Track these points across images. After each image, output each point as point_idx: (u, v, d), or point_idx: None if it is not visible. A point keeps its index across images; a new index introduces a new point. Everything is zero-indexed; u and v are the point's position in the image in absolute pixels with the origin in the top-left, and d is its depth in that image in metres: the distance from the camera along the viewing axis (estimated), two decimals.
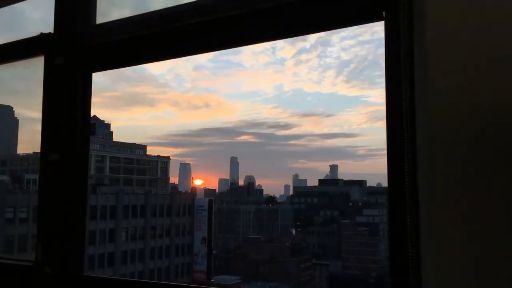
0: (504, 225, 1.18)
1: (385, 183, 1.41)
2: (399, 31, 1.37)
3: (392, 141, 1.38)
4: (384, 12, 1.44)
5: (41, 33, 2.19)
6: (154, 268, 53.74)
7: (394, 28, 1.39)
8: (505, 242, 1.18)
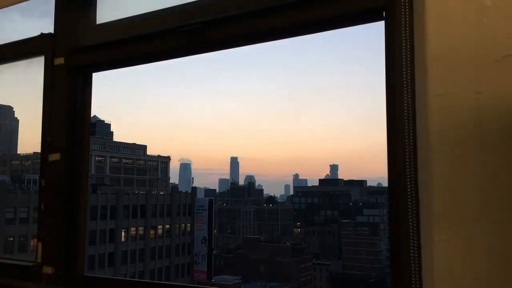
0: (505, 224, 1.18)
1: (385, 183, 1.41)
2: (399, 31, 1.37)
3: (393, 141, 1.37)
4: (384, 12, 1.44)
5: (41, 33, 2.19)
6: (154, 268, 53.72)
7: (394, 28, 1.39)
8: (506, 241, 1.18)
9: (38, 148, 2.17)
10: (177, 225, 57.14)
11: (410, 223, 1.30)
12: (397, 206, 1.34)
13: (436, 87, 1.28)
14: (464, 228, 1.22)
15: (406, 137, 1.33)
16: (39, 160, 2.13)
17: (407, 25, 1.35)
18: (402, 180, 1.33)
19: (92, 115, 2.32)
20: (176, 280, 52.41)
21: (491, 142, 1.21)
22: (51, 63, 2.12)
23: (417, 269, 1.28)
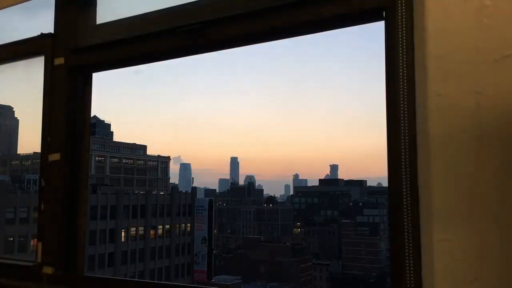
0: (505, 224, 1.18)
1: (385, 183, 1.41)
2: (399, 31, 1.37)
3: (393, 141, 1.38)
4: (384, 12, 1.44)
5: (41, 33, 2.19)
6: (154, 268, 53.68)
7: (394, 28, 1.39)
8: (506, 241, 1.18)
9: (38, 148, 2.17)
10: (177, 225, 57.10)
11: (410, 223, 1.30)
12: (397, 206, 1.34)
13: (436, 87, 1.28)
14: (464, 228, 1.22)
15: (406, 137, 1.33)
16: (39, 160, 2.13)
17: (407, 25, 1.35)
18: (402, 180, 1.33)
19: (92, 115, 2.32)
20: (176, 280, 52.40)
21: (491, 142, 1.21)
22: (51, 63, 2.12)
23: (417, 269, 1.28)
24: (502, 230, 1.18)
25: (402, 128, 1.35)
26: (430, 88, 1.29)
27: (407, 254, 1.30)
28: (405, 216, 1.32)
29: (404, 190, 1.33)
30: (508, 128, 1.19)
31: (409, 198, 1.31)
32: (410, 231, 1.30)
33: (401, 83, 1.36)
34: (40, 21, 2.32)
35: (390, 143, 1.38)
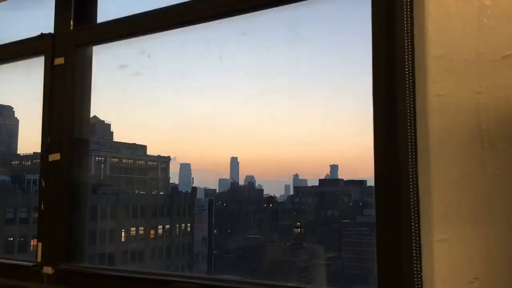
0: (505, 224, 1.18)
1: None
2: (399, 31, 1.37)
3: (393, 141, 1.37)
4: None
5: (41, 33, 2.19)
6: (154, 268, 53.48)
7: (394, 28, 1.39)
8: (506, 241, 1.17)
9: (38, 148, 2.17)
10: (177, 225, 57.02)
11: (412, 223, 1.30)
12: (397, 206, 1.34)
13: (436, 87, 1.28)
14: (464, 228, 1.22)
15: (406, 137, 1.33)
16: (39, 160, 2.13)
17: (407, 25, 1.35)
18: (403, 180, 1.33)
19: (92, 115, 2.32)
20: None
21: (491, 142, 1.21)
22: (51, 63, 2.12)
23: (418, 269, 1.28)
24: (503, 230, 1.18)
25: (403, 128, 1.35)
26: (430, 88, 1.29)
27: (407, 254, 1.30)
28: (405, 216, 1.31)
29: (404, 190, 1.32)
30: (508, 128, 1.19)
31: (409, 198, 1.31)
32: (411, 231, 1.30)
33: (401, 83, 1.36)
34: (40, 20, 2.32)
35: (389, 143, 1.38)
